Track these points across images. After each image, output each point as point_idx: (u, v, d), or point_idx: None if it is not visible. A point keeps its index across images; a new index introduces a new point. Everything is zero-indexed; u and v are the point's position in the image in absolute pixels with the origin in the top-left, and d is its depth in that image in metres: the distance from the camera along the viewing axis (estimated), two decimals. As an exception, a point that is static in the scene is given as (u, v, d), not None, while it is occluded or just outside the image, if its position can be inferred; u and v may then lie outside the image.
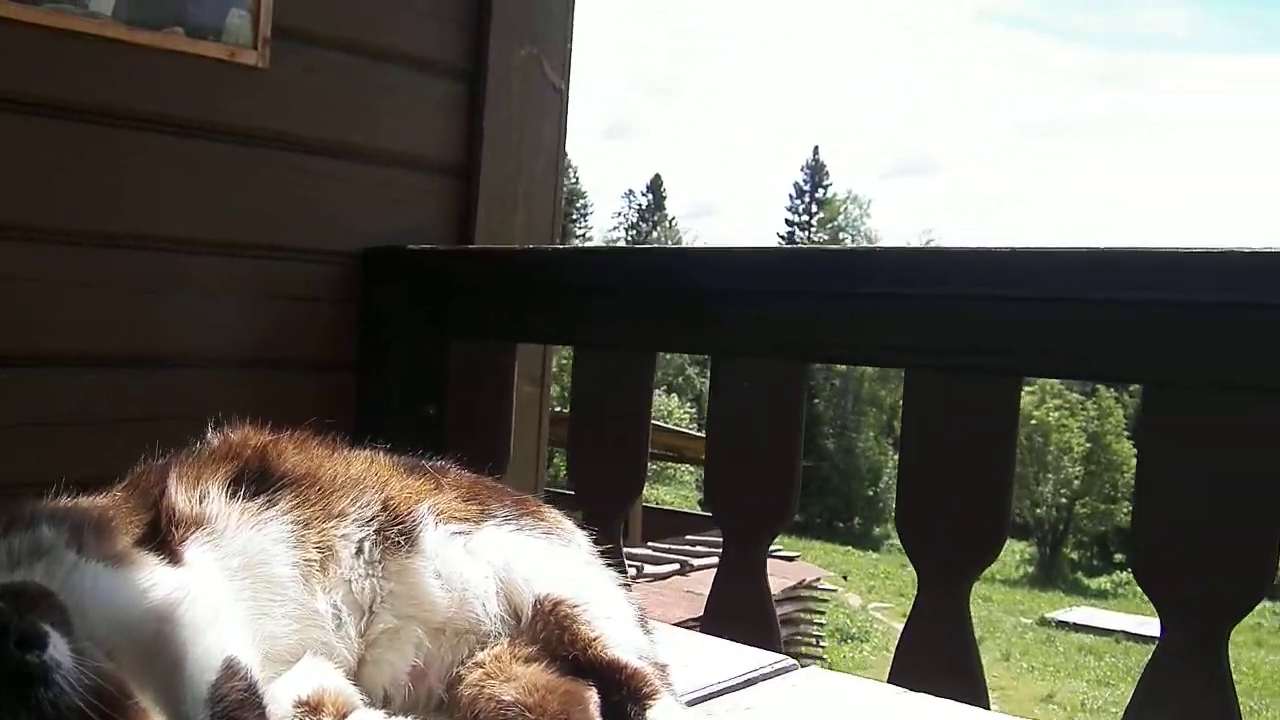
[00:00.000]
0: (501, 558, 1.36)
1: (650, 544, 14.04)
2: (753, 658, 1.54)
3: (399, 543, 1.33)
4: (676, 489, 41.62)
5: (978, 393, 2.38)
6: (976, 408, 2.39)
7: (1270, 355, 2.04)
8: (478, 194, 3.68)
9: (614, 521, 3.03)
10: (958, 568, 2.45)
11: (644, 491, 3.38)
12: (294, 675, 1.21)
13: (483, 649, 1.31)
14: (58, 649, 0.99)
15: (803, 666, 1.54)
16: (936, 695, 2.36)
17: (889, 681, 2.46)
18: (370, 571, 1.31)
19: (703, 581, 6.25)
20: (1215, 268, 2.07)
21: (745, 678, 1.47)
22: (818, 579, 14.80)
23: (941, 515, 2.46)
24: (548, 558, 1.39)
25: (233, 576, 1.23)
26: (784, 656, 1.54)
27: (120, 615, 1.08)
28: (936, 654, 2.46)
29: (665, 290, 2.89)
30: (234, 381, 3.20)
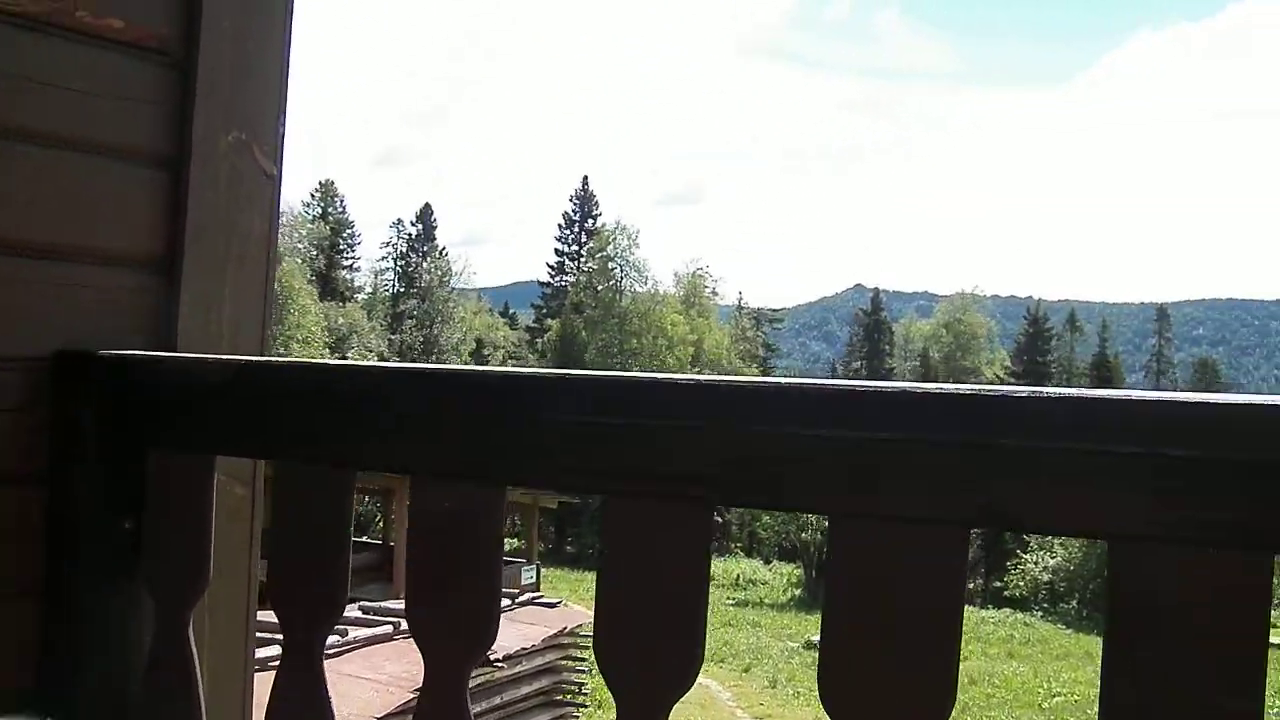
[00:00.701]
0: None
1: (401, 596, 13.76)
2: None
3: None
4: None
5: (671, 520, 2.41)
6: (670, 535, 2.41)
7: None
8: (179, 291, 3.51)
9: (315, 645, 2.93)
10: (656, 695, 2.46)
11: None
12: None
13: None
14: None
15: None
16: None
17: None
18: None
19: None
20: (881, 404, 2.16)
21: None
22: (579, 625, 14.81)
23: (638, 643, 2.47)
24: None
25: None
26: None
27: None
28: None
29: (363, 408, 2.83)
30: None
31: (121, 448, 3.23)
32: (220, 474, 3.12)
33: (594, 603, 2.61)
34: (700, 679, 2.57)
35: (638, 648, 2.46)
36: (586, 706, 16.47)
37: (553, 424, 2.54)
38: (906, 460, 2.13)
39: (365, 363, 3.28)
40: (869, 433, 2.18)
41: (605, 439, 2.48)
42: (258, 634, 3.78)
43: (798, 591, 42.59)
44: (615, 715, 2.49)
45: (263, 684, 3.27)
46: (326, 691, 2.80)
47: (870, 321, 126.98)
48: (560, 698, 13.50)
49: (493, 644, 2.71)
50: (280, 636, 2.84)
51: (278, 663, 2.86)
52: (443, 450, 2.67)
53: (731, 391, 2.37)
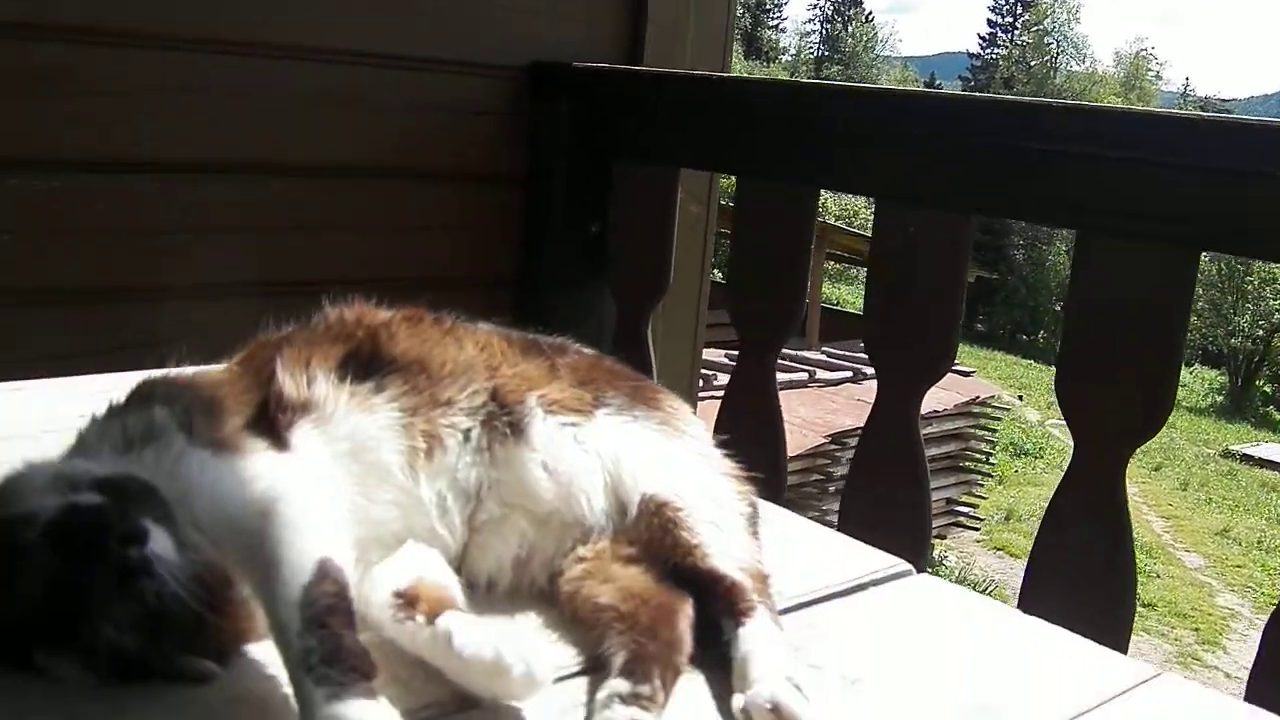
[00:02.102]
0: (611, 451, 1.34)
1: (825, 348, 13.90)
2: (865, 560, 1.49)
3: (506, 433, 1.32)
4: (858, 289, 41.08)
5: (1151, 262, 2.24)
6: (1149, 278, 2.26)
7: None
8: (647, 13, 3.56)
9: (768, 354, 3.00)
10: (1116, 441, 2.36)
11: (821, 292, 3.35)
12: (395, 564, 1.23)
13: (586, 543, 1.30)
14: (159, 543, 1.02)
15: (919, 572, 1.49)
16: (1081, 564, 2.34)
17: (1032, 555, 2.42)
18: (476, 460, 1.31)
19: (874, 390, 6.14)
20: None
21: (855, 582, 1.43)
22: (992, 396, 14.55)
23: (1103, 387, 2.36)
24: (658, 454, 1.36)
25: (338, 461, 1.25)
26: (899, 562, 1.49)
27: (224, 506, 1.11)
28: (1084, 527, 2.39)
29: (829, 127, 2.78)
30: (403, 191, 3.28)
31: (590, 156, 3.38)
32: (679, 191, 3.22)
33: (1060, 344, 2.51)
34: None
35: (1105, 393, 2.34)
36: (991, 478, 16.37)
37: (1022, 151, 2.41)
38: None
39: (839, 83, 3.22)
40: None
41: (1080, 170, 2.32)
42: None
43: (1219, 398, 39.53)
44: (1070, 461, 2.41)
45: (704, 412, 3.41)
46: (777, 398, 2.88)
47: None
48: (966, 465, 13.45)
49: (945, 373, 2.68)
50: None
51: (722, 391, 2.97)
52: (908, 173, 2.59)
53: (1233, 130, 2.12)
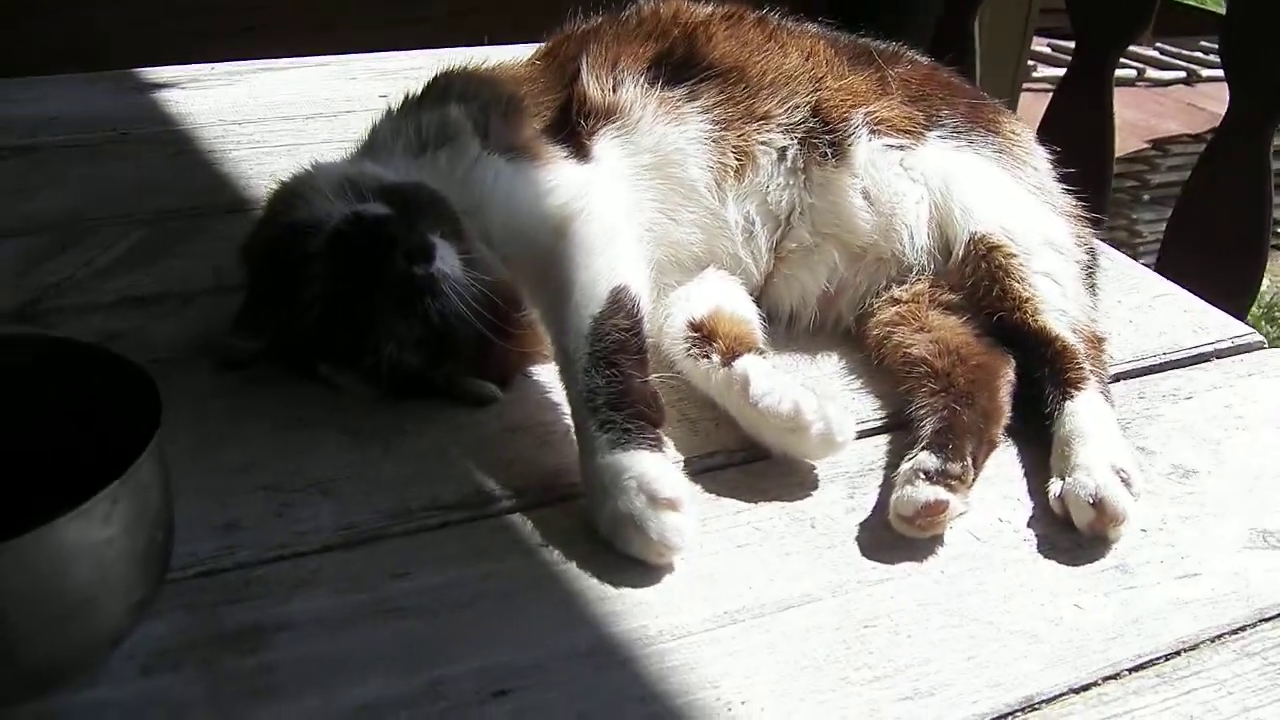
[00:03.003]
0: (940, 180, 1.20)
1: (1159, 44, 12.46)
2: (1210, 323, 1.31)
3: (826, 153, 1.20)
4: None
5: None
6: None
7: None
8: None
9: (1110, 54, 2.65)
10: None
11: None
12: (692, 290, 1.16)
13: (901, 284, 1.19)
14: (445, 260, 0.98)
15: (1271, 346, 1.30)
16: None
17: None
18: (790, 181, 1.20)
19: (1209, 95, 5.50)
20: None
21: (1195, 352, 1.27)
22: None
23: None
24: (994, 187, 1.21)
25: (641, 175, 1.17)
26: (1248, 331, 1.30)
27: (518, 220, 1.06)
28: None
29: None
30: None
31: None
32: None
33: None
34: None
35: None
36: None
37: None
38: None
39: None
40: None
41: None
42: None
43: None
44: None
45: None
46: (1112, 109, 2.58)
47: None
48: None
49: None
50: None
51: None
52: None
53: None
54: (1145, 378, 1.22)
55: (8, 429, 0.81)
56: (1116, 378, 1.20)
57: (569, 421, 1.01)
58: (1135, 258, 1.58)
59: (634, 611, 0.86)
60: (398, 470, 0.99)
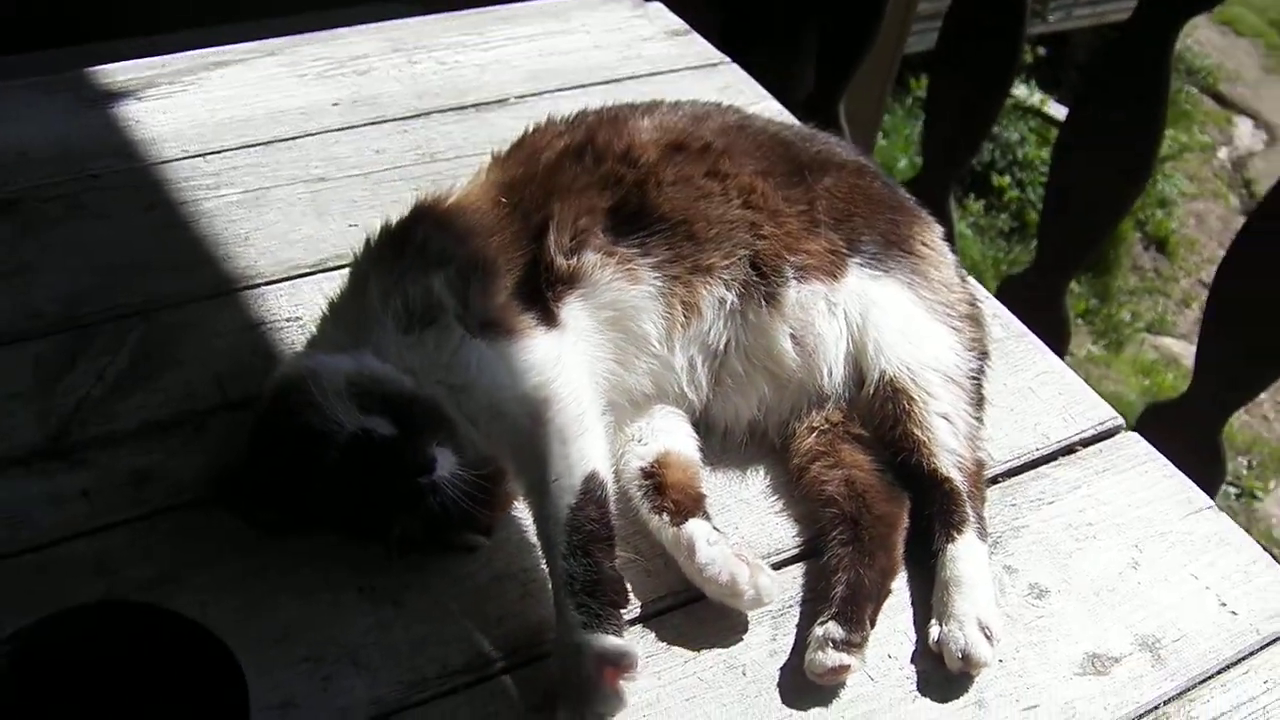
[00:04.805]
0: (858, 314, 1.41)
1: None
2: (1079, 410, 1.55)
3: (761, 302, 1.39)
4: None
5: None
6: None
7: None
8: None
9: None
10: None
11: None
12: (644, 430, 1.37)
13: (820, 409, 1.41)
14: (444, 466, 1.18)
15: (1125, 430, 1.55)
16: None
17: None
18: (728, 324, 1.39)
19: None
20: None
21: (1063, 444, 1.51)
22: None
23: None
24: (904, 321, 1.42)
25: (600, 330, 1.35)
26: (1113, 415, 1.55)
27: (500, 405, 1.24)
28: None
29: None
30: None
31: None
32: None
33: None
34: None
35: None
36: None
37: None
38: None
39: None
40: None
41: None
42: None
43: None
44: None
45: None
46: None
47: None
48: None
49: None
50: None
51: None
52: None
53: None
54: (1018, 479, 1.47)
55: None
56: (994, 479, 1.45)
57: (544, 568, 1.24)
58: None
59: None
60: (410, 632, 1.22)
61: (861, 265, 1.43)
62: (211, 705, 0.96)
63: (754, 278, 1.39)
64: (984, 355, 1.49)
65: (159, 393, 1.44)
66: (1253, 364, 2.10)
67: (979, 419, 1.44)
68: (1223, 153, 6.73)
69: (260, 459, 1.24)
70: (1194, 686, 1.26)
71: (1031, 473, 1.48)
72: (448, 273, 1.30)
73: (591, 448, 1.23)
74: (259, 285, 1.60)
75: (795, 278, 1.40)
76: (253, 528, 1.26)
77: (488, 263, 1.32)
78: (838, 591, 1.25)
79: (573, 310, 1.33)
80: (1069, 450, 1.52)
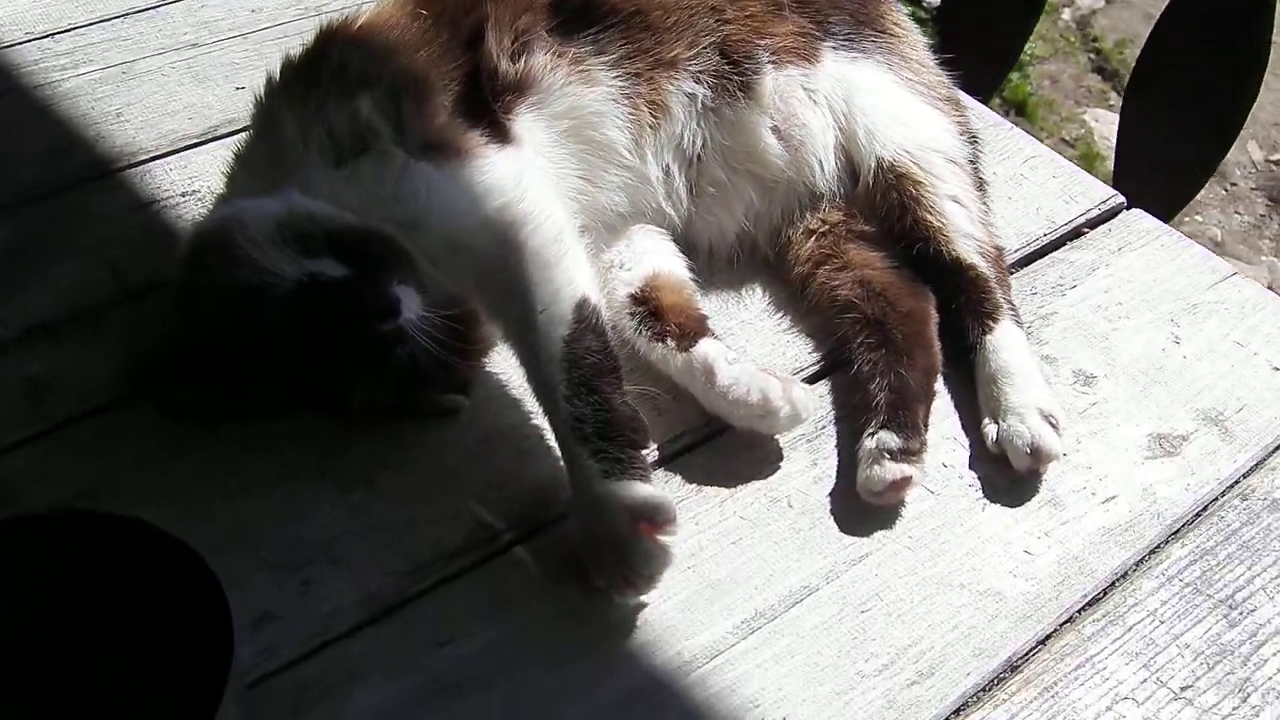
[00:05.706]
0: (842, 101, 1.24)
1: None
2: (1078, 191, 1.41)
3: (736, 94, 1.20)
4: None
5: None
6: None
7: None
8: None
9: None
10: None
11: None
12: (625, 254, 1.19)
13: (814, 211, 1.24)
14: (409, 306, 0.97)
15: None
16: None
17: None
18: (703, 125, 1.21)
19: None
20: None
21: (1070, 227, 1.37)
22: None
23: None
24: (891, 102, 1.25)
25: (559, 144, 1.15)
26: (1112, 193, 1.41)
27: (460, 236, 1.04)
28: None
29: None
30: None
31: None
32: None
33: None
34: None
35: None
36: None
37: None
38: None
39: None
40: None
41: None
42: None
43: None
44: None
45: None
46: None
47: None
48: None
49: None
50: None
51: None
52: None
53: None
54: (1033, 267, 1.33)
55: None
56: (1011, 269, 1.30)
57: (537, 420, 1.06)
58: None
59: (666, 639, 0.95)
60: (392, 514, 1.02)
61: (835, 49, 1.26)
62: (191, 620, 0.76)
63: (724, 67, 1.20)
64: (974, 139, 1.34)
65: (44, 293, 1.20)
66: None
67: (986, 205, 1.30)
68: (1066, 14, 6.75)
69: (186, 334, 1.02)
70: (1270, 455, 1.14)
71: (1046, 259, 1.34)
72: (375, 94, 1.08)
73: (577, 270, 1.03)
74: (143, 162, 1.36)
75: (770, 62, 1.21)
76: (183, 420, 1.04)
77: (419, 79, 1.11)
78: (881, 398, 1.09)
79: (525, 122, 1.13)
80: (1076, 234, 1.38)
